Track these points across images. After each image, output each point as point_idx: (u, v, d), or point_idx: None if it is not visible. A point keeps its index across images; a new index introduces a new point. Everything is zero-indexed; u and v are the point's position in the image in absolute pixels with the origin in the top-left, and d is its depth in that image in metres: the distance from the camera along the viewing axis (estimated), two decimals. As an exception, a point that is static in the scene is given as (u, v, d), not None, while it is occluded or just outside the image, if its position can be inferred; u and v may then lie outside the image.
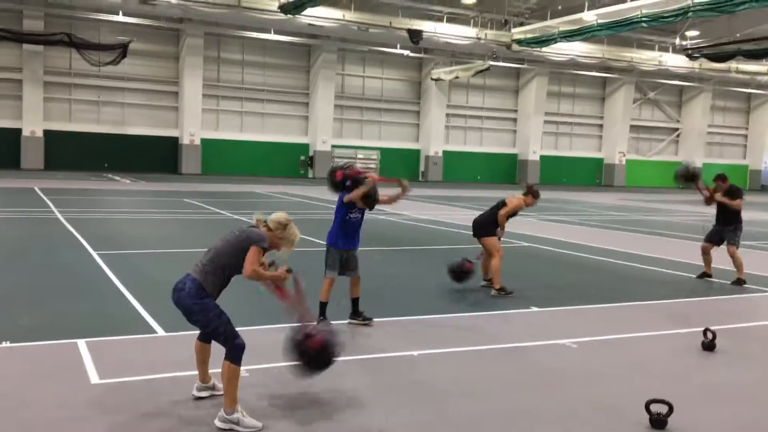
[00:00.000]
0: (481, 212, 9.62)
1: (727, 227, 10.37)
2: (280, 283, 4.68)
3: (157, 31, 37.41)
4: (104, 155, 37.17)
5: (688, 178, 10.41)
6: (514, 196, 9.13)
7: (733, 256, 10.27)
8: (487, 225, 9.06)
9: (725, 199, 10.26)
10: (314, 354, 4.62)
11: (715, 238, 10.52)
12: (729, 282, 10.23)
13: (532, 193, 9.03)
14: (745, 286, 10.03)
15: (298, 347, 4.63)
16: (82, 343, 5.91)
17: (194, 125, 38.44)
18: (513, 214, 9.10)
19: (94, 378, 5.15)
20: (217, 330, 4.48)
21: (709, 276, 10.56)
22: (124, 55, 34.45)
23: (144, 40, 36.97)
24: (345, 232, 6.83)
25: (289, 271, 4.66)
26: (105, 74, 36.28)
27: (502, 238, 9.21)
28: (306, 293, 4.90)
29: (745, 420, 4.91)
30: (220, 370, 4.48)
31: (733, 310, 8.75)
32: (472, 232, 9.27)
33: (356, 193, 6.66)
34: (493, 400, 5.08)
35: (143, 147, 38.08)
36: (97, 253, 10.63)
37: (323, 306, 6.75)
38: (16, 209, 16.57)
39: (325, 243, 6.99)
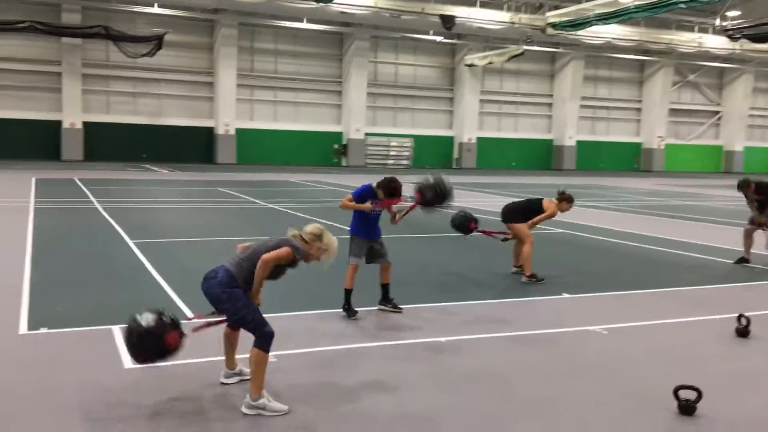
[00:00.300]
0: (514, 200, 9.58)
1: None
2: (253, 298, 4.72)
3: (192, 22, 37.83)
4: (141, 146, 37.79)
5: None
6: (550, 201, 9.09)
7: (774, 240, 10.08)
8: (518, 213, 9.08)
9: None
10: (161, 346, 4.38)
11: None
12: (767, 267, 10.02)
13: (566, 198, 9.04)
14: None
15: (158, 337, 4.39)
16: (116, 330, 6.04)
17: (229, 115, 38.84)
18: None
19: (127, 363, 5.26)
20: (245, 318, 4.54)
21: (747, 261, 10.35)
22: (159, 46, 35.00)
23: (179, 31, 37.39)
24: (366, 224, 6.90)
25: (257, 305, 4.74)
26: (141, 66, 36.80)
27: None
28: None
29: (779, 407, 4.82)
30: (247, 356, 4.55)
31: (771, 296, 8.56)
32: (501, 218, 9.25)
33: (353, 206, 6.80)
34: (522, 386, 5.07)
35: (179, 137, 38.62)
36: (134, 242, 10.84)
37: (348, 293, 6.79)
38: (56, 199, 16.97)
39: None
